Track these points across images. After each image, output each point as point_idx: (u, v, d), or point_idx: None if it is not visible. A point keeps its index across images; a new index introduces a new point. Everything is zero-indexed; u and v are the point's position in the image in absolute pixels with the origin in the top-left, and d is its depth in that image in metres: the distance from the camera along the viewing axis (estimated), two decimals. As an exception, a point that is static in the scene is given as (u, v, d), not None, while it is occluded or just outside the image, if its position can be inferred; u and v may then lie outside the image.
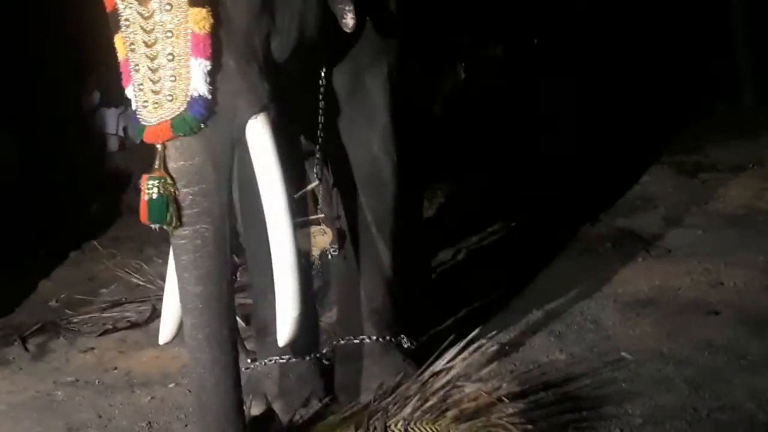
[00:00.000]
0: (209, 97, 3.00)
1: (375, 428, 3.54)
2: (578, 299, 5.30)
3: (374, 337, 4.12)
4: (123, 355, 5.33)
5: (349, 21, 3.36)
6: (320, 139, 3.80)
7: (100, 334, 5.70)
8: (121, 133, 11.87)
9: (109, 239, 8.83)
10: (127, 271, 6.68)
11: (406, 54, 4.01)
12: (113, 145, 11.92)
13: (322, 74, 3.73)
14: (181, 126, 3.00)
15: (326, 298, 4.92)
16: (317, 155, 3.83)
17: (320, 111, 3.76)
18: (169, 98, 3.00)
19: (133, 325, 5.84)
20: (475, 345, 3.80)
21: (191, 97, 2.99)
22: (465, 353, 3.72)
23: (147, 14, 3.00)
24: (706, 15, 12.15)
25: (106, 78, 12.23)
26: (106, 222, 9.44)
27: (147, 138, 3.10)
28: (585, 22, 11.22)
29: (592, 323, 4.92)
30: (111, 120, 11.91)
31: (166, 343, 3.51)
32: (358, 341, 4.12)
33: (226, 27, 3.04)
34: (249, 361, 4.34)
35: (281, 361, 4.12)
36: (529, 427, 3.40)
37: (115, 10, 3.15)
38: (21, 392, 4.83)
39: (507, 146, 9.17)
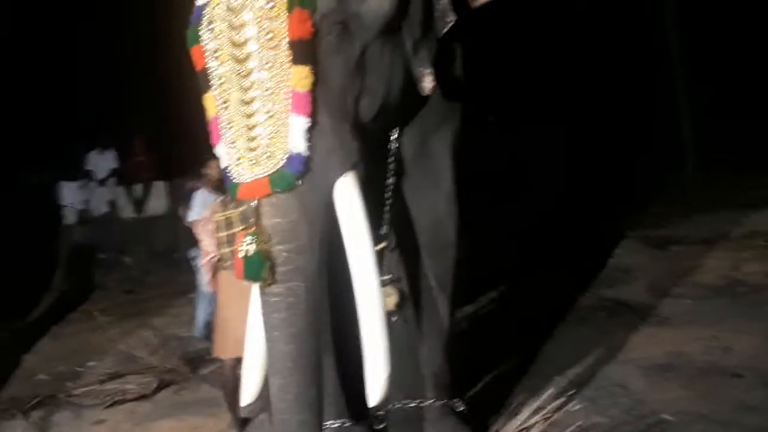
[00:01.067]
0: (307, 154, 3.04)
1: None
2: (598, 365, 5.37)
3: (432, 401, 4.09)
4: (139, 426, 5.20)
5: (428, 84, 3.46)
6: (390, 200, 3.82)
7: (108, 406, 5.56)
8: (80, 206, 11.71)
9: (83, 312, 8.67)
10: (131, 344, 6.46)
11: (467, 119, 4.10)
12: (71, 218, 11.73)
13: (394, 137, 3.78)
14: (279, 182, 3.03)
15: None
16: (386, 215, 3.83)
17: (390, 172, 3.78)
18: (267, 155, 3.02)
19: (141, 397, 5.69)
20: (556, 404, 3.79)
21: (290, 153, 3.02)
22: (541, 413, 3.70)
23: (244, 72, 3.04)
24: (651, 88, 12.78)
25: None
26: (77, 296, 9.24)
27: (241, 195, 3.12)
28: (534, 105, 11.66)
29: (621, 388, 4.97)
30: (69, 192, 11.73)
31: (248, 404, 3.44)
32: (415, 404, 4.08)
33: (323, 86, 3.09)
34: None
35: (336, 425, 4.05)
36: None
37: (206, 68, 3.18)
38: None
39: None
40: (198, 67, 3.25)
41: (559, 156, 11.17)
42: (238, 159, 3.10)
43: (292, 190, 3.06)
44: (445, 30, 3.50)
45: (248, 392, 3.41)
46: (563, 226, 9.21)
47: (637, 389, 4.95)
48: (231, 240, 4.64)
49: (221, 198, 4.86)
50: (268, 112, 3.04)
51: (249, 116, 3.07)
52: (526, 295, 7.12)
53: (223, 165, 3.24)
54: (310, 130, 3.05)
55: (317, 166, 3.10)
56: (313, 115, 3.06)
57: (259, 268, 3.05)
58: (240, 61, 3.06)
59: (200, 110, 3.35)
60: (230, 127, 3.13)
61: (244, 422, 4.95)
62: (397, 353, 4.18)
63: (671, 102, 12.88)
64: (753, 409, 4.48)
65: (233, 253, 4.59)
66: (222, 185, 6.84)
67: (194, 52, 3.24)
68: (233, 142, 3.12)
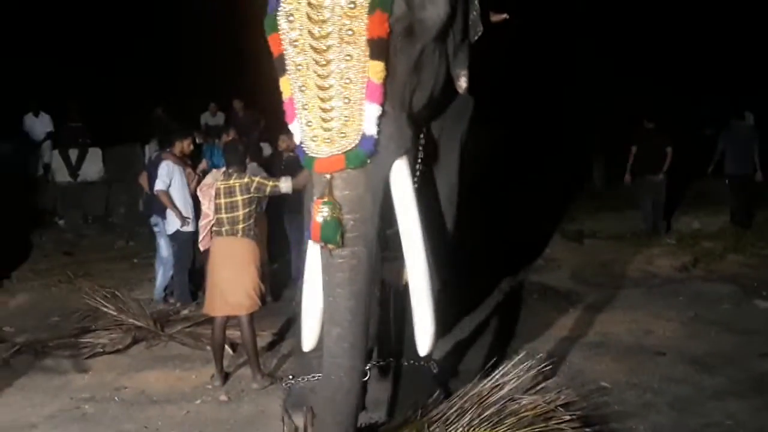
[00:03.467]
0: (377, 137, 3.54)
1: (435, 434, 4.06)
2: (539, 341, 6.04)
3: (412, 360, 4.64)
4: (123, 376, 5.56)
5: (463, 83, 4.06)
6: (416, 185, 4.19)
7: (87, 357, 5.88)
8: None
9: (28, 271, 8.98)
10: (100, 301, 6.71)
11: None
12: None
13: (424, 130, 4.29)
14: (354, 160, 3.51)
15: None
16: None
17: (419, 159, 4.27)
18: (342, 135, 3.50)
19: (117, 351, 6.06)
20: (526, 364, 4.39)
21: (363, 135, 3.51)
22: (515, 371, 4.30)
23: (323, 62, 3.50)
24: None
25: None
26: (17, 256, 9.53)
27: (317, 168, 3.57)
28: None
29: (560, 357, 5.62)
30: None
31: (310, 350, 3.93)
32: (399, 362, 4.62)
33: (390, 79, 3.58)
34: (291, 377, 4.79)
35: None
36: (588, 430, 4.05)
37: (282, 55, 3.63)
38: (43, 406, 5.02)
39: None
40: (275, 53, 3.68)
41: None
42: (314, 137, 3.55)
43: (362, 167, 3.55)
44: (476, 38, 4.10)
45: (308, 340, 3.90)
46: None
47: (575, 361, 5.63)
48: (231, 206, 5.12)
49: (223, 170, 5.28)
50: (345, 98, 3.49)
51: (325, 101, 3.51)
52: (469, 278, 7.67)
53: (296, 141, 3.69)
54: (380, 117, 3.54)
55: (381, 148, 3.58)
56: (384, 104, 3.55)
57: (334, 232, 3.50)
58: (319, 51, 3.50)
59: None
60: (306, 109, 3.57)
61: (226, 376, 5.43)
62: (382, 315, 4.72)
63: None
64: (677, 381, 5.21)
65: (231, 219, 5.10)
66: (184, 159, 7.30)
67: (272, 39, 3.66)
68: (309, 122, 3.56)
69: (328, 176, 3.53)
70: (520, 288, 7.79)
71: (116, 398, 5.16)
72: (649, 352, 5.82)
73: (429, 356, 4.72)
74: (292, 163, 7.33)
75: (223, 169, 5.30)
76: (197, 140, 9.13)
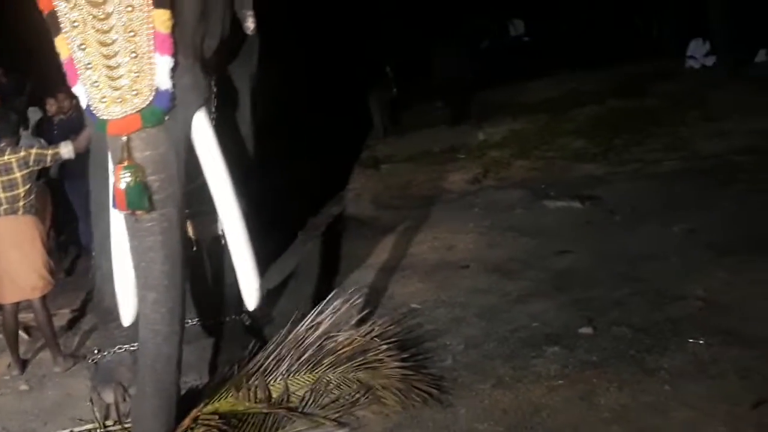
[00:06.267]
0: (172, 90, 3.32)
1: (256, 387, 3.96)
2: (348, 274, 6.04)
3: (227, 317, 4.52)
4: None
5: (251, 24, 3.87)
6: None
7: None
8: None
9: None
10: None
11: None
12: None
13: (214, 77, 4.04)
14: (150, 118, 3.28)
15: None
16: None
17: (213, 110, 4.02)
18: (134, 93, 3.25)
19: None
20: (340, 300, 4.34)
21: (157, 90, 3.28)
22: (329, 309, 4.25)
23: (102, 16, 3.21)
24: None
25: None
26: None
27: (111, 131, 3.30)
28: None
29: (370, 287, 5.64)
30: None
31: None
32: (203, 322, 4.46)
33: (180, 28, 3.35)
34: (96, 352, 4.54)
35: (132, 348, 4.33)
36: (405, 355, 4.08)
37: (54, 11, 3.29)
38: None
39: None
40: (45, 10, 3.35)
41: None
42: (102, 98, 3.27)
43: (160, 124, 3.31)
44: None
45: (127, 314, 3.70)
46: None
47: (384, 288, 5.67)
48: (9, 185, 4.71)
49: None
50: (132, 52, 3.23)
51: (110, 57, 3.24)
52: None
53: (83, 104, 3.39)
54: (173, 69, 3.31)
55: (179, 102, 3.38)
56: (175, 55, 3.31)
57: (140, 197, 3.28)
58: (96, 5, 3.20)
59: None
60: (90, 68, 3.27)
61: (24, 363, 5.08)
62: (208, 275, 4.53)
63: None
64: (483, 291, 5.37)
65: (11, 198, 4.71)
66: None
67: None
68: (95, 83, 3.27)
69: (124, 138, 3.28)
70: (324, 223, 7.74)
71: None
72: (453, 267, 5.96)
73: (239, 309, 4.64)
74: (65, 125, 6.92)
75: None
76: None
